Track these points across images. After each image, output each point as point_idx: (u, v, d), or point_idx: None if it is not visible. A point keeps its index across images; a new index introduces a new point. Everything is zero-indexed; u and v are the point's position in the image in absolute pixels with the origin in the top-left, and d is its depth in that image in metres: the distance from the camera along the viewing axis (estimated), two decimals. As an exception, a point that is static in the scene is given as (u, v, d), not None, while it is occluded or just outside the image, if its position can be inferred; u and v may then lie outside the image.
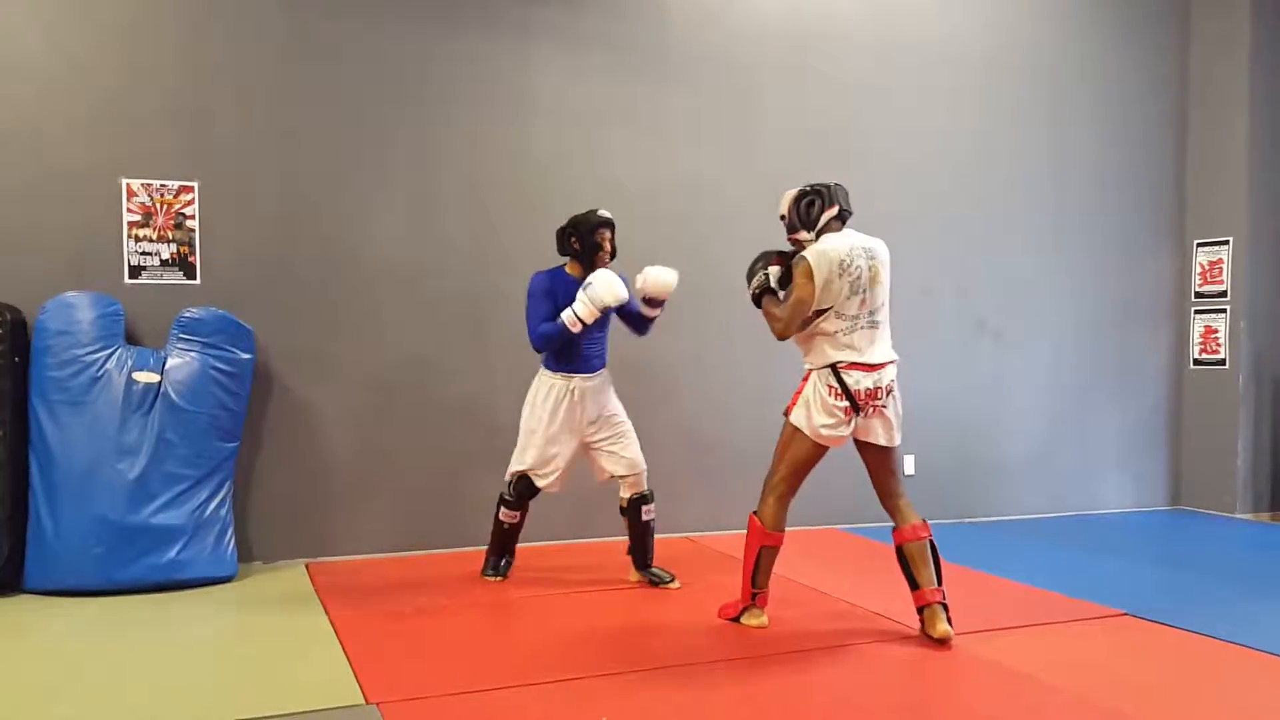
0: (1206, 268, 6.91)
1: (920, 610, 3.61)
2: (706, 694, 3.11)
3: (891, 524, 3.76)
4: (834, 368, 3.61)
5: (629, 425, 4.52)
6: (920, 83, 6.22)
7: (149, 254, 4.73)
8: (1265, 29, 6.70)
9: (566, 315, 4.24)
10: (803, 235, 3.75)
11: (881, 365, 3.64)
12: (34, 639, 3.72)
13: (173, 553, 4.35)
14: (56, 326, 4.40)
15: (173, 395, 4.45)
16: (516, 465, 4.48)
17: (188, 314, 4.60)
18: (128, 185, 4.70)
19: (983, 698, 3.14)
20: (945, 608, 3.59)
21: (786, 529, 3.77)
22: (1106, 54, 6.79)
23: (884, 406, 3.64)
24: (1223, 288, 6.82)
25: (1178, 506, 7.02)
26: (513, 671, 3.25)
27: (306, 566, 4.82)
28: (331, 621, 3.84)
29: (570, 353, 4.38)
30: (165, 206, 4.75)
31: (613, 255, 4.50)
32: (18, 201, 4.56)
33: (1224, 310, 6.80)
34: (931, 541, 3.65)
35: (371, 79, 5.08)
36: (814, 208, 3.73)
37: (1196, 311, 6.97)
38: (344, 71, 5.03)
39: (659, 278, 4.41)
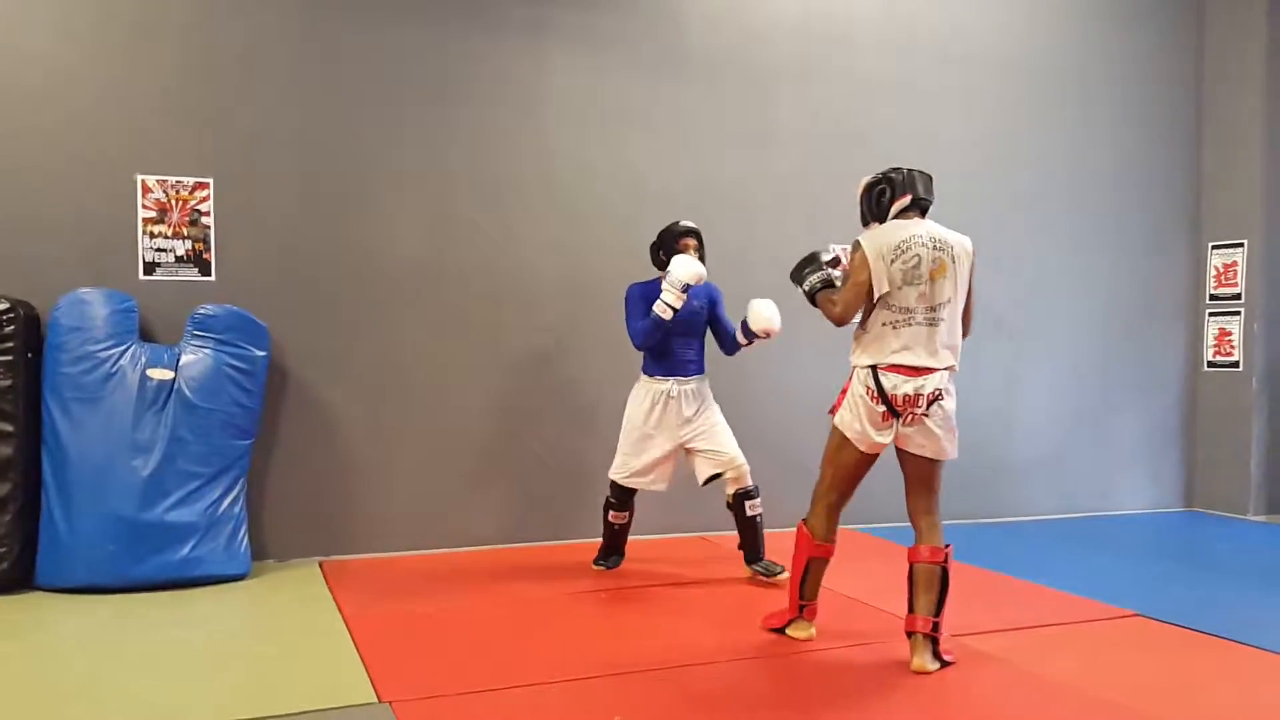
0: (1221, 270, 6.88)
1: (908, 635, 3.36)
2: (717, 693, 3.10)
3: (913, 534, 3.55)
4: (874, 368, 3.37)
5: (722, 424, 4.58)
6: (937, 81, 6.20)
7: (164, 250, 4.74)
8: (1278, 25, 6.65)
9: (656, 306, 4.38)
10: (873, 228, 3.51)
11: (928, 370, 3.34)
12: (46, 637, 3.73)
13: (186, 550, 4.36)
14: (70, 323, 4.40)
15: (187, 392, 4.46)
16: (611, 469, 4.65)
17: (202, 311, 4.61)
18: (143, 181, 4.71)
19: (994, 697, 3.13)
20: (934, 642, 3.31)
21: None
22: (1122, 54, 6.76)
23: (925, 416, 3.35)
24: (1237, 290, 6.79)
25: (1191, 508, 6.99)
26: (528, 670, 3.25)
27: (320, 564, 4.83)
28: (345, 619, 3.84)
29: (665, 357, 4.55)
30: (180, 203, 4.76)
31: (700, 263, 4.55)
32: (33, 197, 4.57)
33: (1238, 313, 6.77)
34: (944, 569, 3.36)
35: (388, 78, 5.08)
36: (884, 197, 3.48)
37: (1211, 314, 6.94)
38: (360, 70, 5.04)
39: (760, 313, 4.49)
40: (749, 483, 4.52)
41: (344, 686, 3.10)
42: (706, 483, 4.57)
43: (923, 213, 3.49)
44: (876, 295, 3.37)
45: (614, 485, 4.66)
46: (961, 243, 3.45)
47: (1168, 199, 6.92)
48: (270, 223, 4.90)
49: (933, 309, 3.36)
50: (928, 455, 3.41)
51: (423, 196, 5.16)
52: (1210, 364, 6.94)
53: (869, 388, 3.37)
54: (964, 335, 3.49)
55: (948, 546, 3.41)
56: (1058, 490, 6.57)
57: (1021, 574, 4.66)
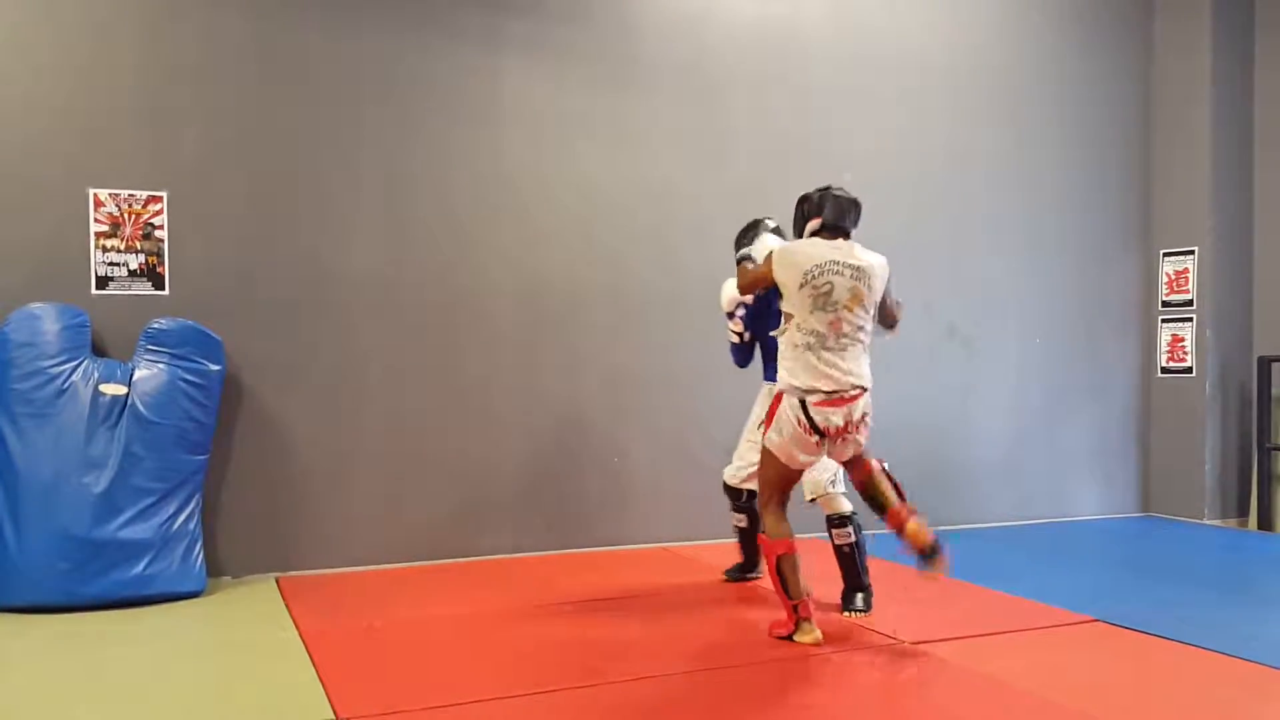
0: (1173, 277, 7.01)
1: (898, 532, 3.62)
2: (681, 704, 3.09)
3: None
4: (804, 403, 3.52)
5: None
6: (888, 90, 6.27)
7: (117, 264, 4.67)
8: (1225, 37, 6.81)
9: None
10: (790, 241, 3.76)
11: (854, 397, 3.53)
12: (-4, 657, 3.65)
13: (139, 568, 4.28)
14: (21, 338, 4.32)
15: (140, 407, 4.39)
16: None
17: (156, 325, 4.54)
18: (95, 195, 4.64)
19: (954, 703, 3.14)
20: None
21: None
22: (1073, 61, 6.88)
23: (856, 434, 3.59)
24: (1189, 296, 6.91)
25: (1147, 513, 7.09)
26: (489, 685, 3.22)
27: (277, 580, 4.77)
28: (302, 636, 3.80)
29: (770, 362, 4.46)
30: (133, 216, 4.69)
31: None
32: (-19, 211, 4.49)
33: (1190, 319, 6.90)
34: (886, 470, 3.70)
35: (340, 88, 5.04)
36: (802, 213, 3.67)
37: (1163, 320, 7.06)
38: (312, 81, 5.00)
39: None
40: (839, 508, 4.18)
41: (301, 704, 3.06)
42: (810, 503, 4.29)
43: (836, 235, 3.60)
44: (783, 307, 3.58)
45: (725, 486, 4.67)
46: (877, 266, 3.58)
47: (1119, 207, 7.04)
48: (225, 236, 4.85)
49: (846, 335, 3.51)
50: (849, 458, 3.70)
51: (378, 207, 5.12)
52: (1164, 370, 7.06)
53: (800, 420, 3.52)
54: (892, 327, 3.78)
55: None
56: (1014, 497, 6.64)
57: (980, 580, 4.69)
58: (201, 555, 4.51)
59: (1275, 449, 6.62)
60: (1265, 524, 6.60)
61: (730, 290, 4.42)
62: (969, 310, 6.48)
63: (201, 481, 4.59)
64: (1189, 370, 6.90)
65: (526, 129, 5.41)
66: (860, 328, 3.54)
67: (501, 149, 5.36)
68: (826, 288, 3.45)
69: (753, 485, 4.47)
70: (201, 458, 4.56)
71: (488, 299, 5.33)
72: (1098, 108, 6.95)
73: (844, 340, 3.49)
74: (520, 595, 4.47)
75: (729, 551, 4.85)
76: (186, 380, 4.49)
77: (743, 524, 4.67)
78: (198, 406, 4.52)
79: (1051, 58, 6.81)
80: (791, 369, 3.54)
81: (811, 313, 3.47)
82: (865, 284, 3.51)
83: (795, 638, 3.64)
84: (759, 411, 4.52)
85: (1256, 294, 6.93)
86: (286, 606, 4.27)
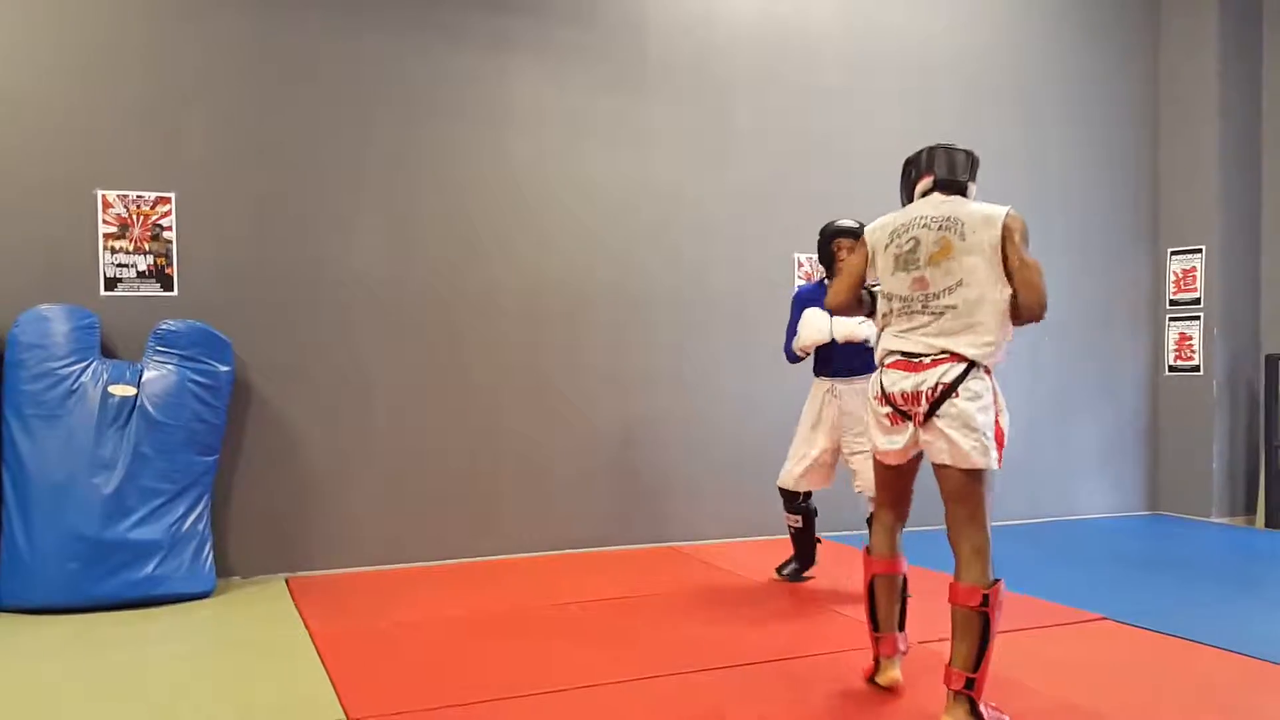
0: (1180, 275, 7.00)
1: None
2: (685, 705, 3.09)
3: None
4: (881, 365, 3.06)
5: None
6: (894, 89, 6.27)
7: (125, 266, 4.69)
8: (1232, 34, 6.80)
9: (795, 340, 4.41)
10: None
11: (929, 364, 2.90)
12: (6, 658, 3.65)
13: (149, 568, 4.30)
14: (30, 339, 4.34)
15: (149, 408, 4.40)
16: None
17: (164, 326, 4.55)
18: (103, 196, 4.65)
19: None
20: (973, 703, 2.79)
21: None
22: (1080, 60, 6.87)
23: (936, 416, 2.89)
24: (1196, 295, 6.90)
25: (1155, 511, 7.08)
26: (497, 685, 3.23)
27: (287, 581, 4.78)
28: (312, 636, 3.81)
29: (826, 359, 4.46)
30: (141, 218, 4.71)
31: None
32: (-10, 213, 4.51)
33: (1198, 318, 6.88)
34: (984, 614, 2.80)
35: (347, 90, 5.06)
36: (908, 178, 3.20)
37: (1171, 319, 7.05)
38: (318, 82, 5.01)
39: (812, 324, 4.36)
40: None
41: (311, 704, 3.06)
42: (860, 492, 4.38)
43: (957, 191, 3.07)
44: (872, 283, 3.18)
45: (781, 490, 4.62)
46: (982, 213, 2.95)
47: (1127, 206, 7.03)
48: (233, 236, 4.86)
49: (935, 295, 2.93)
50: (946, 462, 2.89)
51: (385, 209, 5.14)
52: (1172, 368, 7.05)
53: (874, 388, 3.06)
54: (1025, 311, 2.92)
55: (994, 584, 2.83)
56: (1024, 495, 6.63)
57: (989, 579, 4.68)
58: (211, 556, 4.52)
59: (1283, 447, 6.60)
60: (1272, 522, 6.59)
61: (817, 331, 4.27)
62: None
63: (211, 482, 4.60)
64: (1196, 369, 6.88)
65: (531, 129, 5.42)
66: (956, 285, 2.90)
67: (506, 150, 5.37)
68: (910, 244, 2.99)
69: (807, 485, 4.51)
70: (211, 458, 4.57)
71: (493, 299, 5.34)
72: (1105, 106, 6.94)
73: (936, 300, 2.93)
74: (528, 595, 4.48)
75: (740, 550, 4.85)
76: (195, 381, 4.51)
77: (797, 524, 4.64)
78: (207, 407, 4.53)
79: (1058, 57, 6.81)
80: (880, 343, 3.10)
81: (893, 274, 3.03)
82: (957, 233, 2.92)
83: (875, 678, 3.22)
84: (811, 408, 4.50)
85: (1264, 292, 6.92)
86: (296, 606, 4.28)
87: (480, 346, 5.31)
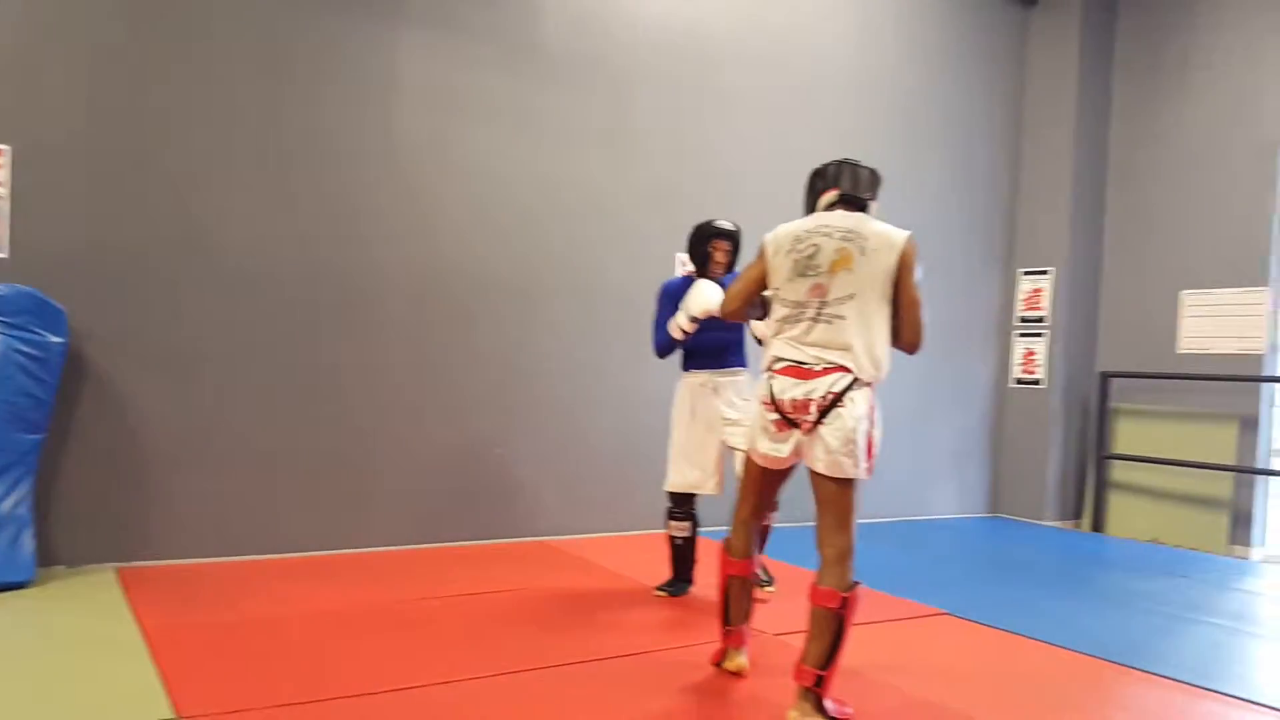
0: (1029, 294, 7.40)
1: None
2: (534, 702, 3.05)
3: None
4: (771, 371, 3.06)
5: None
6: (784, 99, 6.43)
7: (-55, 224, 4.29)
8: (1089, 72, 7.24)
9: (670, 324, 4.22)
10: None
11: (820, 372, 2.93)
12: None
13: (-40, 554, 3.95)
14: None
15: (-33, 381, 4.05)
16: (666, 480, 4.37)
17: (-12, 292, 4.20)
18: (-77, 146, 4.25)
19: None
20: (819, 700, 2.87)
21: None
22: (951, 91, 7.20)
23: (820, 424, 2.92)
24: (1042, 313, 7.31)
25: (996, 514, 7.48)
26: (341, 683, 3.10)
27: (117, 571, 4.48)
28: (142, 631, 3.57)
29: (695, 352, 4.32)
30: (-34, 172, 4.32)
31: (729, 269, 4.34)
32: None
33: (1043, 334, 7.29)
34: (840, 615, 2.88)
35: (220, 53, 4.76)
36: (814, 189, 3.22)
37: (1019, 335, 7.45)
38: (192, 44, 4.69)
39: (702, 293, 4.16)
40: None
41: (138, 703, 2.87)
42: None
43: (860, 208, 3.14)
44: (770, 289, 3.14)
45: (669, 493, 4.36)
46: (885, 235, 2.98)
47: (987, 226, 7.40)
48: (76, 198, 4.50)
49: (829, 304, 2.95)
50: (822, 471, 2.95)
51: (252, 181, 4.86)
52: (1017, 381, 7.44)
53: (763, 393, 3.06)
54: (905, 342, 3.07)
55: (853, 588, 2.93)
56: (876, 494, 6.84)
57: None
58: (33, 542, 4.19)
59: (1110, 458, 7.07)
60: (1098, 526, 7.06)
61: (709, 301, 4.08)
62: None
63: (35, 463, 4.26)
64: (1038, 382, 7.29)
65: (422, 107, 5.24)
66: (849, 297, 2.94)
67: (394, 126, 5.17)
68: (810, 250, 2.99)
69: (703, 489, 4.29)
70: (36, 437, 4.24)
71: (364, 280, 5.13)
72: (973, 134, 7.30)
73: (830, 309, 2.95)
74: (384, 590, 4.34)
75: (610, 545, 4.83)
76: (22, 352, 4.17)
77: (684, 534, 4.35)
78: (34, 381, 4.20)
79: (932, 81, 7.10)
80: (769, 347, 3.11)
81: (791, 280, 3.02)
82: (858, 246, 2.95)
83: (723, 663, 3.35)
84: (684, 406, 4.33)
85: (1101, 313, 7.39)
86: (127, 599, 4.01)
87: (347, 330, 5.09)
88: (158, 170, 4.66)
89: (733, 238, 4.36)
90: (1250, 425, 6.49)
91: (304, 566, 4.74)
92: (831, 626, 2.88)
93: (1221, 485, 6.56)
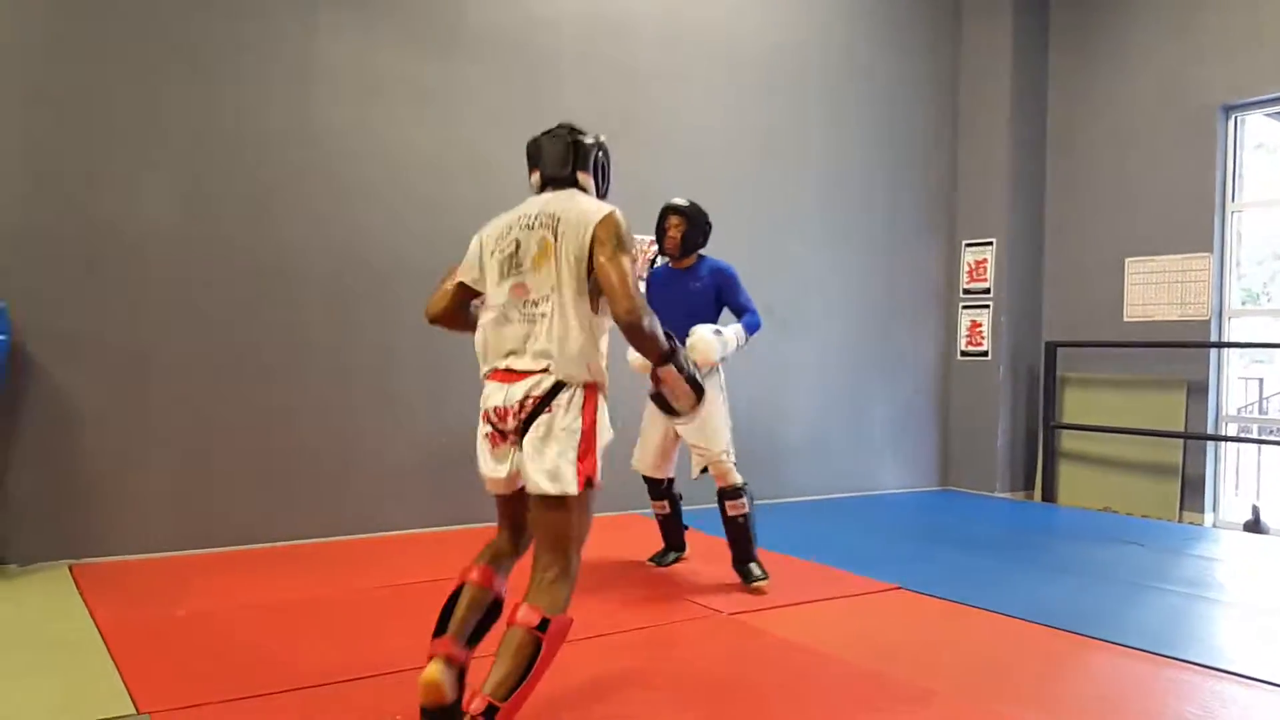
0: (973, 266, 7.51)
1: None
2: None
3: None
4: (484, 379, 2.69)
5: (716, 413, 4.22)
6: (707, 76, 6.42)
7: (-124, 221, 4.18)
8: (1024, 49, 7.35)
9: (631, 354, 3.81)
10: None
11: (520, 375, 2.57)
12: None
13: (-94, 557, 3.88)
14: None
15: (-94, 381, 3.96)
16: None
17: (-75, 290, 4.11)
18: None
19: (763, 669, 3.28)
20: None
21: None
22: (886, 63, 7.23)
23: (518, 433, 2.57)
24: (987, 285, 7.43)
25: (946, 487, 7.60)
26: (298, 674, 3.11)
27: (70, 569, 4.43)
28: (98, 627, 3.55)
29: None
30: (-103, 168, 4.20)
31: (682, 248, 4.35)
32: None
33: (988, 306, 7.42)
34: (538, 639, 2.42)
35: (136, 37, 4.67)
36: (529, 170, 2.86)
37: (964, 306, 7.56)
38: (110, 25, 4.61)
39: (698, 344, 4.10)
40: (733, 480, 4.25)
41: (98, 699, 2.86)
42: (699, 475, 4.41)
43: (568, 185, 2.76)
44: (479, 295, 2.77)
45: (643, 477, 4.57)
46: (580, 215, 2.61)
47: (927, 198, 7.48)
48: (6, 193, 4.42)
49: (533, 303, 2.60)
50: (528, 489, 2.59)
51: (177, 168, 4.79)
52: (963, 353, 7.57)
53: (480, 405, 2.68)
54: (616, 318, 2.58)
55: (558, 617, 2.47)
56: (825, 471, 6.97)
57: (793, 552, 4.91)
58: (-20, 542, 4.13)
59: (1058, 427, 7.23)
60: (1049, 496, 7.21)
61: (705, 353, 4.07)
62: (784, 293, 6.67)
63: (-20, 462, 4.20)
64: (985, 354, 7.42)
65: (340, 88, 5.19)
66: (550, 292, 2.58)
67: (310, 109, 5.12)
68: (511, 247, 2.65)
69: (654, 471, 4.51)
70: (-20, 436, 4.17)
71: (293, 269, 5.07)
72: (911, 107, 7.34)
73: (531, 310, 2.59)
74: (331, 580, 4.33)
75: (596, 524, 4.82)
76: (-37, 351, 4.09)
77: (665, 510, 4.62)
78: (-24, 380, 4.12)
79: (868, 58, 7.14)
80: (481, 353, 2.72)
81: (497, 282, 2.66)
82: (553, 232, 2.59)
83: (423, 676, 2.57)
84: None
85: (1045, 283, 7.53)
86: (81, 596, 3.98)
87: (280, 319, 5.03)
88: (84, 162, 4.60)
89: (681, 212, 4.38)
90: (1198, 391, 6.63)
91: (258, 558, 4.72)
92: (525, 650, 2.40)
93: (1171, 452, 6.68)
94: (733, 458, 4.29)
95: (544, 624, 2.43)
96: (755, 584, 4.20)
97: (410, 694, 2.62)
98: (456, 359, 5.44)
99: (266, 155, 5.00)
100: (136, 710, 2.78)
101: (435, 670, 2.54)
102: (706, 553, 4.74)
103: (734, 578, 4.29)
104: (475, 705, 2.36)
